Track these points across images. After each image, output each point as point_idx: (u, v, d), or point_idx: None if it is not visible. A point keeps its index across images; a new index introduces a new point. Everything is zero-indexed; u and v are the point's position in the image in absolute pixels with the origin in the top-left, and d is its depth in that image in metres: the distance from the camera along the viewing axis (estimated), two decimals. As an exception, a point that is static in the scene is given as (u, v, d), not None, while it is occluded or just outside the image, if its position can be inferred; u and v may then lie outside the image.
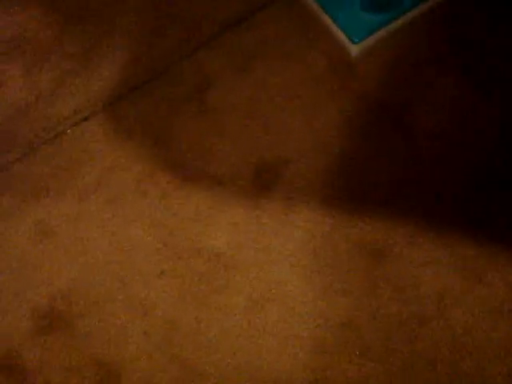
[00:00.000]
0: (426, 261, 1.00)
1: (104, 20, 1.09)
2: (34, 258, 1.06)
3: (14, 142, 1.10)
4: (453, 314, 0.96)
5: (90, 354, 1.00)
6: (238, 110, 1.10)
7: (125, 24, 1.10)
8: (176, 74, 1.13)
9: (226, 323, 0.99)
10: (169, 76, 1.13)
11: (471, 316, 0.95)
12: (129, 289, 1.03)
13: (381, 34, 1.10)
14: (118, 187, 1.08)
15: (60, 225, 1.07)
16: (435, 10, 1.11)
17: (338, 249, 1.02)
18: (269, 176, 1.06)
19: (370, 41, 1.10)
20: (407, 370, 0.94)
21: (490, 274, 0.98)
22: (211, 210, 1.06)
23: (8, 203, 1.08)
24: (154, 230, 1.05)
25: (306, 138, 1.08)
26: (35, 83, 1.08)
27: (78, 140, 1.11)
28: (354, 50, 1.10)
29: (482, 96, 1.06)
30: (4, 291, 1.04)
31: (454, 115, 1.05)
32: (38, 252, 1.06)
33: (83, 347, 1.00)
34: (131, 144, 1.10)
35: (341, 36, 1.11)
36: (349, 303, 0.99)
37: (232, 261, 1.03)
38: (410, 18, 1.11)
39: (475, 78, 1.07)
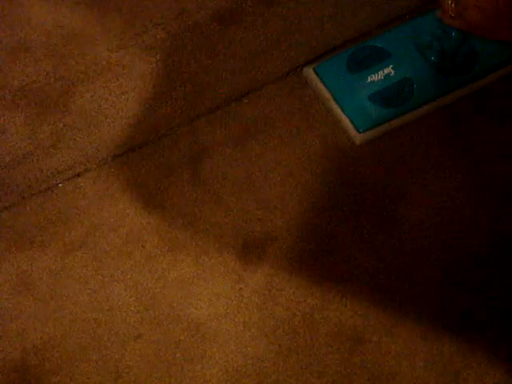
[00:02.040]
0: (403, 352, 1.01)
1: (111, 81, 1.11)
2: (11, 308, 1.04)
3: (5, 190, 1.10)
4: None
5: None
6: (232, 182, 1.11)
7: (130, 87, 1.12)
8: (174, 141, 1.14)
9: (199, 394, 0.99)
10: (166, 142, 1.14)
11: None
12: (104, 349, 1.02)
13: (385, 126, 1.13)
14: (104, 246, 1.08)
15: (41, 278, 1.06)
16: (440, 111, 1.14)
17: (318, 330, 1.02)
18: (255, 251, 1.07)
19: (375, 132, 1.13)
20: None
21: (465, 372, 0.99)
22: (195, 279, 1.06)
23: (-9, 251, 1.07)
24: (136, 293, 1.05)
25: (295, 217, 1.09)
26: (36, 134, 1.09)
27: (69, 195, 1.11)
28: (358, 138, 1.12)
29: (475, 199, 1.08)
30: (-23, 339, 1.02)
31: (445, 214, 1.08)
32: (16, 303, 1.05)
33: (51, 405, 0.98)
34: (121, 204, 1.11)
35: (345, 123, 1.13)
36: (323, 386, 0.99)
37: (211, 332, 1.02)
38: (416, 115, 1.14)
39: (470, 180, 1.10)
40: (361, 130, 1.12)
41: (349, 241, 1.07)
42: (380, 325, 1.02)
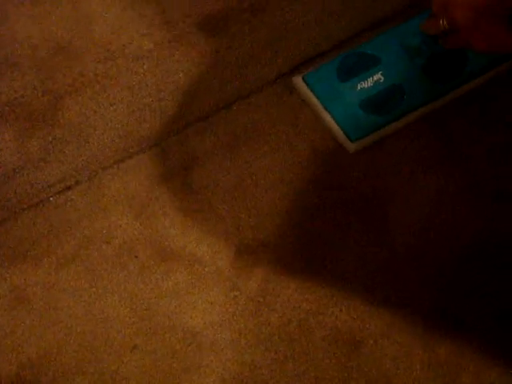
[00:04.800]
0: (399, 354, 1.01)
1: (98, 93, 1.11)
2: (5, 323, 1.04)
3: (-5, 206, 1.10)
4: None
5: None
6: (224, 190, 1.11)
7: (118, 98, 1.12)
8: (164, 151, 1.14)
9: (197, 404, 0.98)
10: (156, 152, 1.14)
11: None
12: (100, 361, 1.02)
13: (377, 133, 1.13)
14: (97, 258, 1.08)
15: (35, 292, 1.06)
16: (430, 114, 1.14)
17: (314, 336, 1.02)
18: (249, 258, 1.07)
19: (367, 140, 1.12)
20: None
21: (463, 374, 0.99)
22: (189, 288, 1.06)
23: (-16, 267, 1.07)
24: (131, 303, 1.05)
25: (287, 223, 1.09)
26: (25, 148, 1.09)
27: (60, 208, 1.11)
28: (351, 147, 1.12)
29: (465, 202, 1.08)
30: (-28, 355, 1.02)
31: (436, 216, 1.08)
32: (10, 318, 1.04)
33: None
34: (113, 216, 1.11)
35: (337, 132, 1.12)
36: (320, 392, 0.99)
37: (207, 340, 1.02)
38: (407, 120, 1.13)
39: (460, 182, 1.10)
40: (353, 139, 1.12)
41: (341, 245, 1.07)
42: (376, 327, 1.02)
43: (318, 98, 1.15)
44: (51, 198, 1.12)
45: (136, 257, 1.07)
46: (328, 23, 1.19)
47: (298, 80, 1.16)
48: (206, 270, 1.06)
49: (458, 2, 0.95)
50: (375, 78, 1.14)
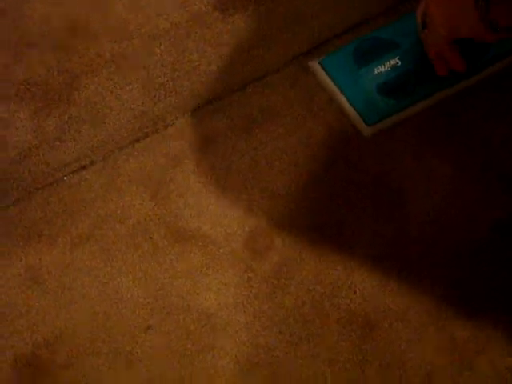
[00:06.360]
0: (414, 338, 1.01)
1: (115, 73, 1.10)
2: (20, 303, 1.04)
3: (11, 185, 1.10)
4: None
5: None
6: (238, 172, 1.11)
7: (134, 78, 1.11)
8: (178, 131, 1.14)
9: (211, 385, 0.99)
10: (171, 132, 1.14)
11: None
12: (114, 342, 1.02)
13: (393, 118, 1.12)
14: (111, 238, 1.08)
15: (50, 272, 1.06)
16: (445, 102, 1.13)
17: (328, 318, 1.02)
18: (263, 240, 1.07)
19: (383, 124, 1.12)
20: None
21: (479, 358, 0.99)
22: (203, 269, 1.05)
23: (-1, 246, 1.07)
24: (145, 284, 1.05)
25: (301, 206, 1.09)
26: (41, 127, 1.09)
27: (75, 188, 1.11)
28: (367, 131, 1.11)
29: (480, 190, 1.08)
30: (-13, 334, 1.02)
31: (450, 200, 1.07)
32: (26, 298, 1.04)
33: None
34: (127, 196, 1.10)
35: (353, 115, 1.12)
36: (334, 374, 0.99)
37: (221, 322, 1.02)
38: (423, 105, 1.13)
39: (474, 171, 1.09)
40: (369, 123, 1.12)
41: (356, 228, 1.07)
42: (390, 311, 1.02)
43: (334, 82, 1.14)
44: (65, 178, 1.12)
45: (150, 237, 1.07)
46: (344, 6, 1.18)
47: (314, 64, 1.16)
48: (221, 251, 1.06)
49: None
50: (392, 62, 1.14)
